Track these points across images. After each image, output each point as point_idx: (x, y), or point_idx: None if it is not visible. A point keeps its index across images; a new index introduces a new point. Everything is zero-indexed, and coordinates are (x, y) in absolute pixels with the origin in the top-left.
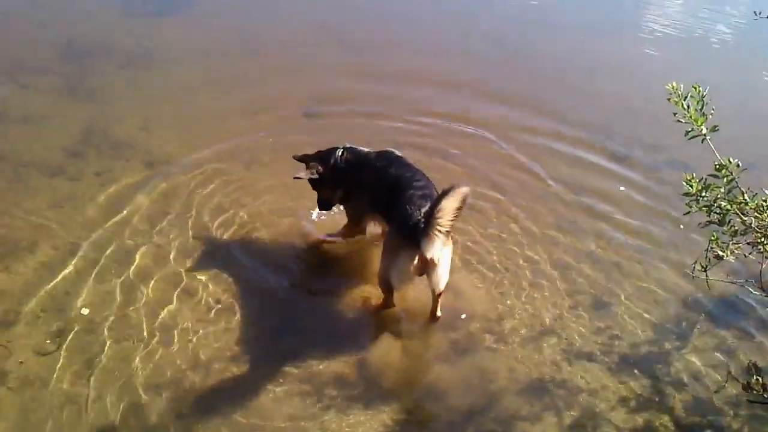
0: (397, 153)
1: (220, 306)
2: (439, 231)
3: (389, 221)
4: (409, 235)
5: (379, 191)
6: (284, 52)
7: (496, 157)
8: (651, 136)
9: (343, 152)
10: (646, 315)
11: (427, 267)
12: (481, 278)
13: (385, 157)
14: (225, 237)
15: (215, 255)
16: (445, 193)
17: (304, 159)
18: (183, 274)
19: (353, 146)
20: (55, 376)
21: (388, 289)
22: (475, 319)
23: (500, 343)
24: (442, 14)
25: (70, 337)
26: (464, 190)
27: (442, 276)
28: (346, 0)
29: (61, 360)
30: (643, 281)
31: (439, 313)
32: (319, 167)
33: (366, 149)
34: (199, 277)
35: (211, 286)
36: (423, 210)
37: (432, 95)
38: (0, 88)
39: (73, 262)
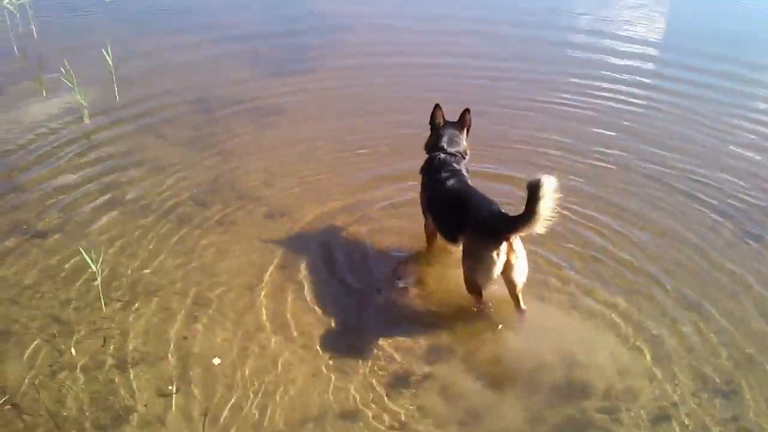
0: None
1: (332, 363)
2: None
3: (466, 226)
4: (492, 230)
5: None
6: (407, 113)
7: None
8: None
9: (443, 155)
10: None
11: (509, 261)
12: (600, 340)
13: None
14: (348, 292)
15: (336, 303)
16: (536, 188)
17: (438, 118)
18: (305, 328)
19: (456, 166)
20: (173, 419)
21: (478, 292)
22: (592, 393)
23: (617, 424)
24: None
25: (191, 382)
26: (551, 181)
27: (524, 268)
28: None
29: (179, 403)
30: None
31: (523, 306)
32: (441, 122)
33: (457, 178)
34: (317, 330)
35: (328, 336)
36: (493, 207)
37: None
38: (139, 137)
39: (199, 311)
